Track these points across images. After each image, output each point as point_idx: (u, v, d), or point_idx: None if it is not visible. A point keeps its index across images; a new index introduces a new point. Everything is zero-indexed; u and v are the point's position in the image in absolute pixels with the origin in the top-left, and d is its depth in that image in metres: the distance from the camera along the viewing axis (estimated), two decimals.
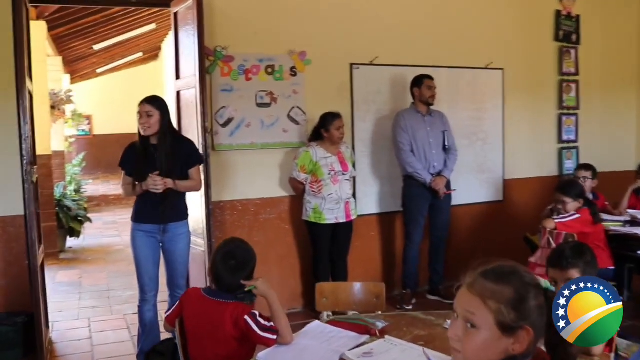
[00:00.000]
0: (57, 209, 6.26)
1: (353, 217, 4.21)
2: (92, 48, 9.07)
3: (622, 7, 5.75)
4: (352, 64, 4.52)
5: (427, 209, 4.45)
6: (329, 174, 4.04)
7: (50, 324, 4.06)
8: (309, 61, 4.37)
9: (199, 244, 3.83)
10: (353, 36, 4.52)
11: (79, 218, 6.56)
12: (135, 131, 3.33)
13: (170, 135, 3.31)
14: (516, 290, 1.20)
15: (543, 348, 1.30)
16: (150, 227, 3.30)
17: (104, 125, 14.37)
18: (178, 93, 4.18)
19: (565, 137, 5.52)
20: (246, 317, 2.03)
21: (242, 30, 4.18)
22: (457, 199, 4.74)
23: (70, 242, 6.78)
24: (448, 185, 4.45)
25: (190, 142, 3.47)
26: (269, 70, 4.27)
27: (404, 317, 2.27)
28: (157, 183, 3.18)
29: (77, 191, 7.49)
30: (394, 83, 4.67)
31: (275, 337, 2.01)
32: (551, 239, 3.49)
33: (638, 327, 3.47)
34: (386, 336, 2.03)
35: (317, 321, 2.23)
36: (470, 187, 5.02)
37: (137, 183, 3.25)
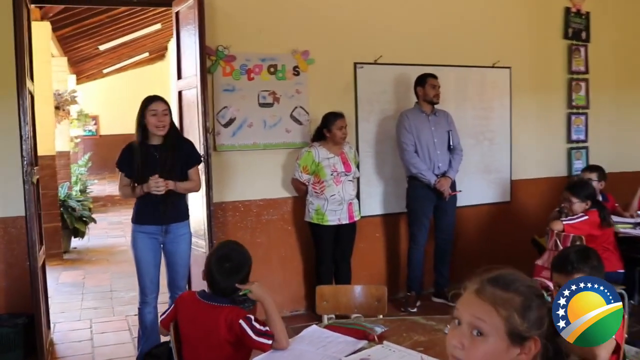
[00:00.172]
0: (61, 209, 6.25)
1: (356, 219, 4.15)
2: (97, 48, 9.07)
3: (633, 3, 5.63)
4: (355, 63, 4.47)
5: (431, 210, 4.38)
6: (332, 174, 3.98)
7: (52, 325, 4.05)
8: (312, 60, 4.32)
9: (200, 245, 3.80)
10: (357, 35, 4.46)
11: (84, 218, 6.56)
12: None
13: (175, 136, 3.32)
14: (525, 299, 1.17)
15: None
16: (152, 229, 3.26)
17: (111, 126, 14.40)
18: (180, 93, 4.15)
19: (574, 137, 5.43)
20: (241, 321, 1.98)
21: (244, 30, 4.14)
22: (464, 199, 4.67)
23: (75, 242, 6.78)
24: (453, 186, 4.38)
25: (189, 143, 3.45)
26: (272, 69, 4.22)
27: (404, 322, 2.21)
28: (159, 185, 3.15)
29: (82, 191, 7.49)
30: (398, 82, 4.61)
31: (270, 342, 1.96)
32: (558, 242, 3.42)
33: None
34: (385, 342, 1.98)
35: (314, 325, 2.18)
36: (477, 187, 4.95)
37: (136, 185, 3.21)
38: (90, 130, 13.93)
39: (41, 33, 5.77)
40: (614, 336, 1.95)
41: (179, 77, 4.14)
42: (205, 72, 3.76)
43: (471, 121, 4.90)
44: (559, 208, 3.83)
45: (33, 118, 3.62)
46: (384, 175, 4.61)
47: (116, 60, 11.55)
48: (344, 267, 4.18)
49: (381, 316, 2.51)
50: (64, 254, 6.37)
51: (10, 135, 3.48)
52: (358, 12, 4.47)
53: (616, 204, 4.33)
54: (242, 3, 4.12)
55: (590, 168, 4.32)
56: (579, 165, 5.35)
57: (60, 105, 6.77)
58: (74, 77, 10.60)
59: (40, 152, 4.10)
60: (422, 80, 4.31)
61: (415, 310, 4.31)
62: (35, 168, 3.54)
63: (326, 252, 4.08)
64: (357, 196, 4.31)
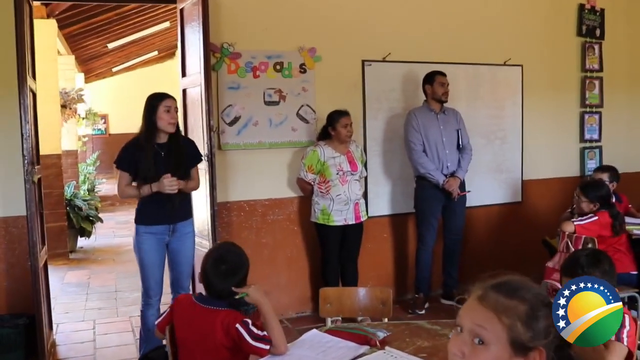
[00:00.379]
0: (67, 208, 6.23)
1: (363, 219, 4.07)
2: (106, 46, 9.06)
3: None
4: (363, 61, 4.38)
5: (440, 210, 4.29)
6: (337, 174, 3.91)
7: (55, 326, 4.01)
8: (318, 58, 4.24)
9: (204, 245, 3.74)
10: (365, 32, 4.38)
11: (90, 218, 6.53)
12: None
13: (179, 134, 3.31)
14: (531, 307, 1.11)
15: None
16: (160, 228, 3.22)
17: (120, 124, 14.39)
18: (184, 91, 4.10)
19: (587, 136, 5.30)
20: (238, 325, 1.92)
21: (250, 26, 4.07)
22: (474, 199, 4.58)
23: (81, 242, 6.76)
24: (462, 186, 4.28)
25: (191, 141, 3.43)
26: (278, 67, 4.15)
27: (407, 327, 2.13)
28: (172, 184, 3.12)
29: (90, 190, 7.48)
30: (407, 80, 4.52)
31: (268, 347, 1.89)
32: (570, 243, 3.32)
33: None
34: (387, 347, 1.90)
35: (314, 330, 2.11)
36: (488, 187, 4.85)
37: (143, 184, 3.15)
38: (99, 129, 13.96)
39: (47, 31, 5.76)
40: (625, 343, 1.88)
41: (184, 74, 4.09)
42: (209, 69, 3.70)
43: (482, 120, 4.80)
44: (570, 209, 3.73)
45: (35, 117, 3.58)
46: (391, 174, 4.52)
47: (125, 59, 11.55)
48: (351, 268, 4.10)
49: (386, 319, 2.43)
50: (70, 253, 6.35)
51: (12, 134, 3.45)
52: (366, 8, 4.39)
53: (630, 205, 4.21)
54: None
55: (602, 168, 4.20)
56: (592, 165, 5.22)
57: (67, 104, 6.75)
58: (81, 75, 10.60)
59: (45, 151, 4.08)
60: (431, 78, 4.22)
61: (423, 312, 4.22)
62: (37, 167, 3.50)
63: (332, 252, 4.01)
64: (365, 196, 4.22)
